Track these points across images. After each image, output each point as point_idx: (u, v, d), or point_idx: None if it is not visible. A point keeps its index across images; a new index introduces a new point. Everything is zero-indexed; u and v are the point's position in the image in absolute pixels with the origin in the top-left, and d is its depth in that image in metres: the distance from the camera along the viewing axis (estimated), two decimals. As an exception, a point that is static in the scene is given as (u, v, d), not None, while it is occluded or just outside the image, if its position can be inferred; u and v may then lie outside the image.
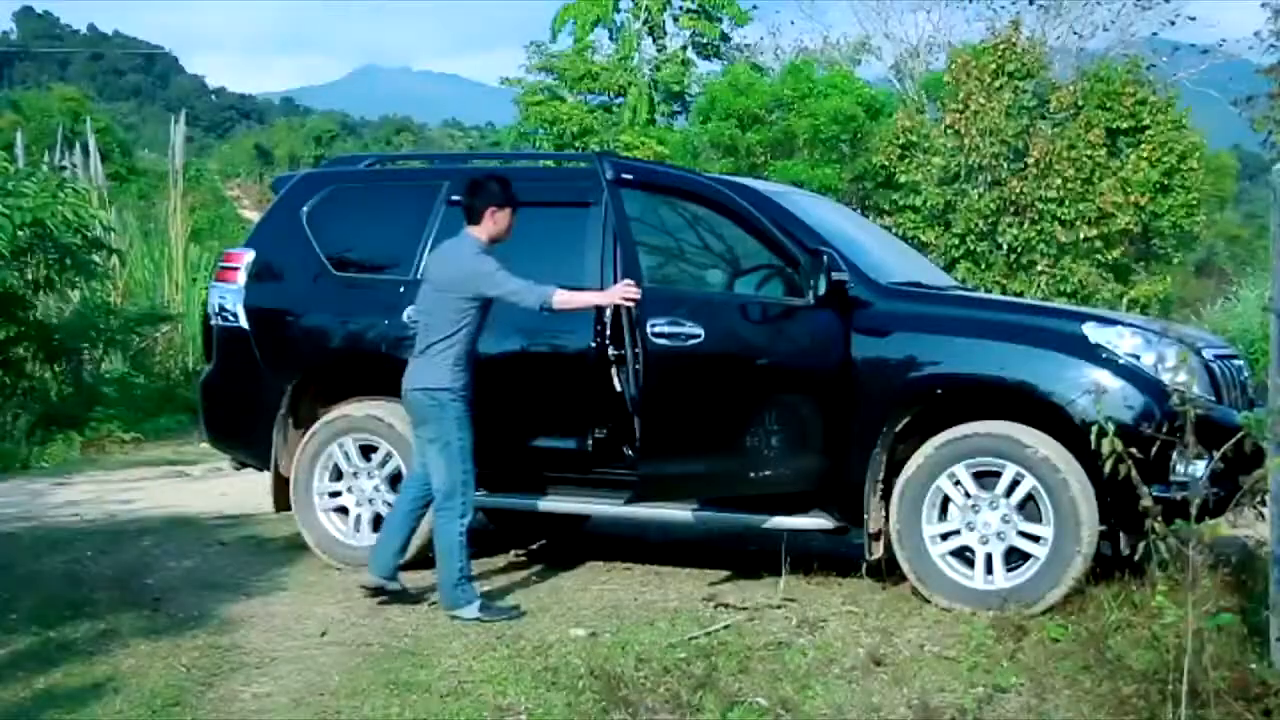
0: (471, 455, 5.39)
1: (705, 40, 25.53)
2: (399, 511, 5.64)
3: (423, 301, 5.51)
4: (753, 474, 5.58)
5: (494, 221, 5.41)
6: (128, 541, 7.04)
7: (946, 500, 5.45)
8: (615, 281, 5.64)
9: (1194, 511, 3.49)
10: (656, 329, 5.36)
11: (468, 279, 5.30)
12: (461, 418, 5.35)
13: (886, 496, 5.56)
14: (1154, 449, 3.96)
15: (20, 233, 10.46)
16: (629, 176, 5.63)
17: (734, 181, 6.76)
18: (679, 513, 5.97)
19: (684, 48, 25.61)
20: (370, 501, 6.29)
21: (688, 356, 5.43)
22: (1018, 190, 17.24)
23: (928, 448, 5.46)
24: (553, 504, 6.15)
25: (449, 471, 5.34)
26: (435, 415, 5.33)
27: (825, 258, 5.58)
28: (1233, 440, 3.62)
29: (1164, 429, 4.09)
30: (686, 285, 5.88)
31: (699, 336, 5.45)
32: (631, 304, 5.30)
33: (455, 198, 6.32)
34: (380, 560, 5.58)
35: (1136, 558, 3.82)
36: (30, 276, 11.28)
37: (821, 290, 5.55)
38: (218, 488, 9.00)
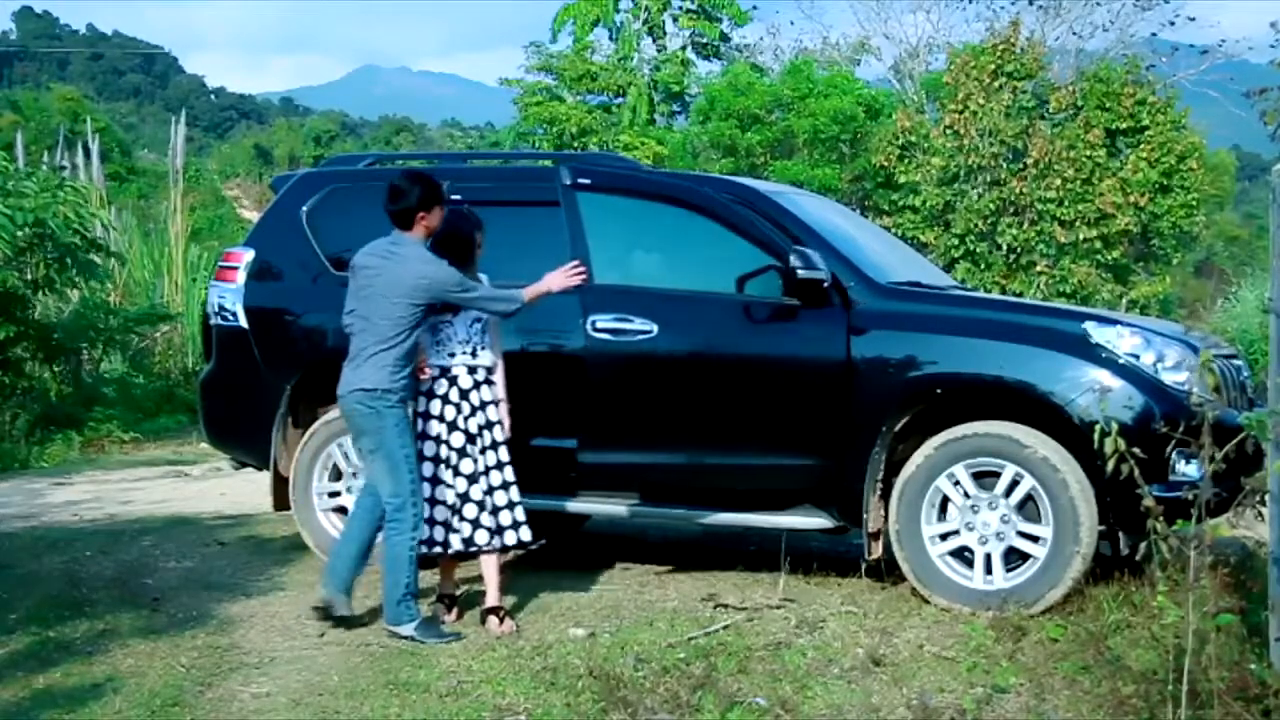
0: (416, 462, 5.15)
1: (705, 40, 25.51)
2: (354, 525, 5.31)
3: (358, 304, 5.15)
4: (752, 473, 5.67)
5: (427, 224, 5.18)
6: (127, 541, 7.03)
7: (946, 500, 5.44)
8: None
9: (1197, 512, 3.49)
10: (598, 325, 5.51)
11: (427, 285, 5.04)
12: (401, 424, 5.08)
13: (886, 496, 5.57)
14: (1154, 449, 3.96)
15: (20, 232, 10.45)
16: (586, 181, 6.02)
17: (731, 181, 6.79)
18: (680, 512, 5.99)
19: (684, 48, 25.58)
20: (370, 501, 6.29)
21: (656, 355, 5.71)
22: (1017, 191, 17.26)
23: (927, 448, 5.46)
24: (553, 504, 6.14)
25: (396, 483, 5.05)
26: (373, 424, 5.05)
27: (796, 256, 5.60)
28: (1234, 441, 3.62)
29: (1164, 428, 4.08)
30: (658, 286, 5.97)
31: (651, 332, 5.73)
32: (581, 280, 5.38)
33: (455, 196, 6.33)
34: (336, 574, 5.23)
35: (1137, 558, 3.82)
36: (30, 276, 11.27)
37: (797, 290, 5.60)
38: (217, 488, 9.00)
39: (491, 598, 5.28)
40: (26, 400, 11.26)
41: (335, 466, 6.31)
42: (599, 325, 5.85)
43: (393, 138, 67.07)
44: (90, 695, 4.37)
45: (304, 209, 6.62)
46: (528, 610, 5.51)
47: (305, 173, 7.41)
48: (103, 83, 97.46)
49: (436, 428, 5.27)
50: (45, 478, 9.60)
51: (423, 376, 5.29)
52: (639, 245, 6.25)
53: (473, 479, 5.24)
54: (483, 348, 5.34)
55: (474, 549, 5.26)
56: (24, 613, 5.44)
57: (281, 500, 6.46)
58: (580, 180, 5.95)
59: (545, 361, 6.00)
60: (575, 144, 22.14)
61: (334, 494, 6.33)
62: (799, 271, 5.55)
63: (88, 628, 5.23)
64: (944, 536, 5.45)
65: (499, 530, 5.24)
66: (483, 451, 5.26)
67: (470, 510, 5.24)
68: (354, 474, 6.30)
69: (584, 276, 5.38)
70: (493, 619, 5.22)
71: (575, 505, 6.12)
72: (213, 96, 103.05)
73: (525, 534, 5.28)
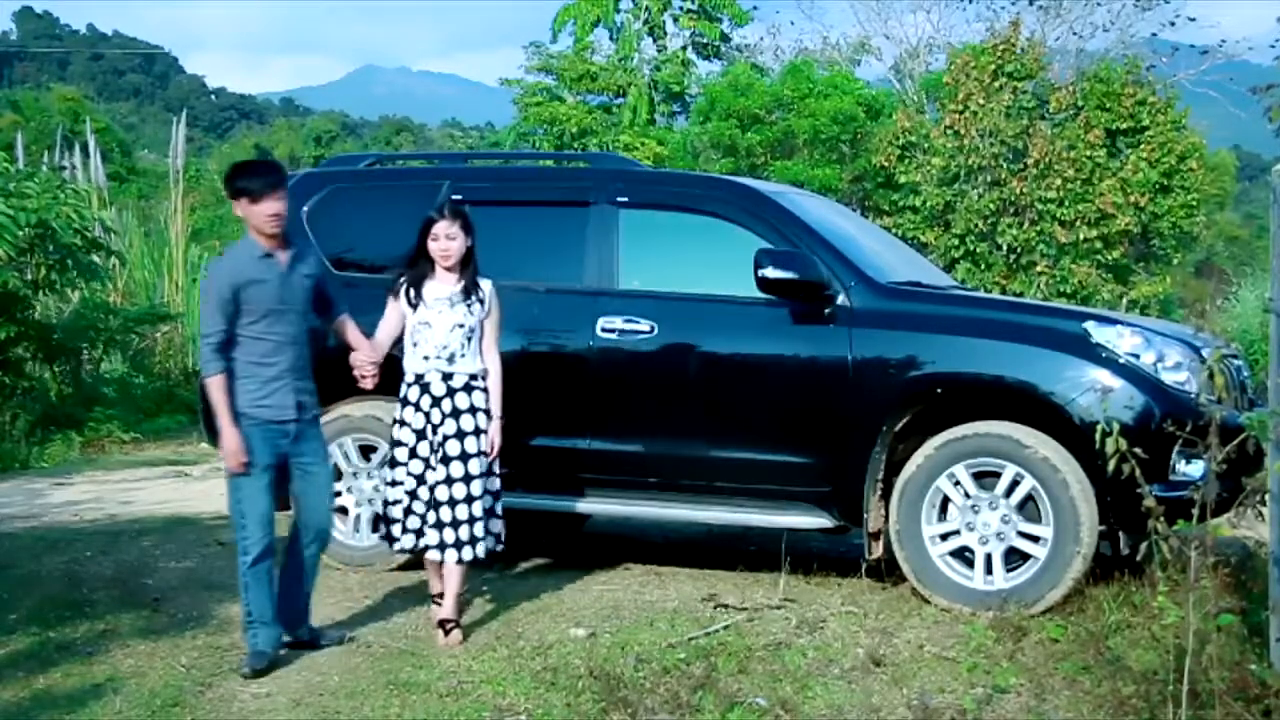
0: (267, 487, 4.98)
1: (705, 40, 25.49)
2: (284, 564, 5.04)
3: None
4: (753, 471, 5.71)
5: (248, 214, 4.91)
6: (127, 541, 7.03)
7: (946, 500, 5.45)
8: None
9: (1198, 511, 3.49)
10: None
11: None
12: (247, 438, 4.87)
13: (886, 496, 5.57)
14: (1155, 449, 3.96)
15: (21, 233, 10.45)
16: (625, 200, 6.08)
17: (732, 182, 6.80)
18: (680, 512, 6.00)
19: (684, 48, 25.57)
20: (370, 502, 6.28)
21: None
22: (1017, 191, 17.24)
23: (928, 448, 5.46)
24: (555, 504, 6.14)
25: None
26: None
27: (760, 255, 5.63)
28: (1235, 441, 3.62)
29: (1166, 428, 4.08)
30: (668, 290, 6.00)
31: (651, 329, 5.83)
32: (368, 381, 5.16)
33: (456, 197, 6.35)
34: (285, 622, 4.92)
35: (1137, 558, 3.82)
36: (30, 276, 11.27)
37: (775, 289, 5.63)
38: (218, 488, 8.94)
39: (446, 609, 5.08)
40: (27, 400, 11.25)
41: (335, 467, 6.29)
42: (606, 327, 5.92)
43: (393, 138, 67.02)
44: (90, 695, 4.38)
45: (304, 209, 6.61)
46: (528, 610, 5.51)
47: (305, 173, 7.40)
48: (103, 83, 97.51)
49: (408, 435, 5.13)
50: (45, 478, 9.60)
51: (365, 377, 5.14)
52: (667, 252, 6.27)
53: (434, 488, 5.05)
54: (462, 355, 5.11)
55: (427, 553, 5.11)
56: (24, 613, 5.44)
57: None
58: (619, 199, 6.10)
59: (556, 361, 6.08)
60: (575, 144, 22.14)
61: (334, 494, 6.32)
62: (759, 271, 5.58)
63: (88, 628, 5.24)
64: (944, 536, 5.45)
65: (458, 544, 5.03)
66: (445, 461, 5.04)
67: (431, 517, 5.05)
68: (353, 474, 6.31)
69: (370, 378, 5.18)
70: (439, 632, 5.05)
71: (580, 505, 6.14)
72: (213, 97, 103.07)
73: (482, 550, 5.07)
